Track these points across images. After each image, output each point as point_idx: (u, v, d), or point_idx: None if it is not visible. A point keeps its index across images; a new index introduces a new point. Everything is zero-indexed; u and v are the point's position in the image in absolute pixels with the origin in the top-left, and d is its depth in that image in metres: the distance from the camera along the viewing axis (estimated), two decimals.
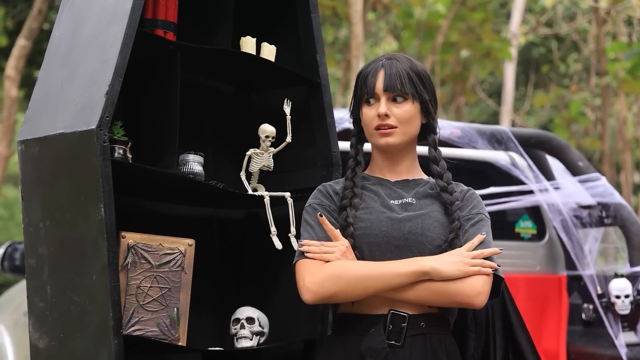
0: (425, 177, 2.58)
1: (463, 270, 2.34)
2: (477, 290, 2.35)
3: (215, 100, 3.15)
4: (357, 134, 2.59)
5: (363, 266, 2.38)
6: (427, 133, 2.55)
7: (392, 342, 2.38)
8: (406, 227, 2.42)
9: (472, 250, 2.39)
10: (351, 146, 2.58)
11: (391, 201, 2.48)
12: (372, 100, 2.49)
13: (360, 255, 2.42)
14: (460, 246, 2.41)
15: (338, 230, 2.44)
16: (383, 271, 2.35)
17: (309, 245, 2.42)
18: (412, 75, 2.48)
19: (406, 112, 2.47)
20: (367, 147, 2.58)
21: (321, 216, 2.45)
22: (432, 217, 2.45)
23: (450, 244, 2.41)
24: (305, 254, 2.42)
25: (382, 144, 2.49)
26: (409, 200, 2.49)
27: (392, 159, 2.54)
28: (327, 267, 2.38)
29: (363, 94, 2.50)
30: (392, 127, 2.46)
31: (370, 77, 2.49)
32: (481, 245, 2.40)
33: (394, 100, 2.47)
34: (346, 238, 2.43)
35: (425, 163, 2.58)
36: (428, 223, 2.43)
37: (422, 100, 2.49)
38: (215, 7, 3.07)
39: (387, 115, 2.46)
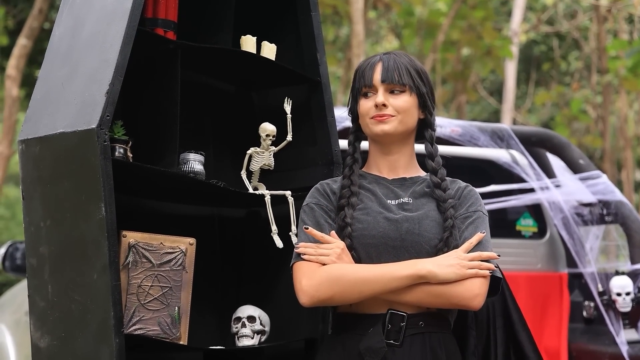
0: (423, 174, 2.57)
1: (460, 273, 2.34)
2: (473, 292, 2.34)
3: (215, 99, 3.15)
4: (355, 132, 2.59)
5: (359, 269, 2.37)
6: (424, 129, 2.55)
7: (391, 341, 2.38)
8: (403, 228, 2.41)
9: (471, 249, 2.38)
10: (349, 143, 2.58)
11: (388, 201, 2.48)
12: (369, 94, 2.49)
13: (357, 256, 2.42)
14: (457, 244, 2.41)
15: (333, 231, 2.44)
16: (379, 274, 2.35)
17: (305, 247, 2.43)
18: (409, 68, 2.48)
19: (404, 102, 2.47)
20: (364, 145, 2.58)
21: (307, 228, 2.45)
22: (429, 217, 2.44)
23: (445, 243, 2.41)
24: (302, 256, 2.42)
25: (377, 132, 2.48)
26: (406, 199, 2.48)
27: (389, 155, 2.54)
28: (324, 271, 2.37)
29: (361, 87, 2.50)
30: (389, 115, 2.46)
31: (368, 69, 2.49)
32: (479, 243, 2.40)
33: (392, 92, 2.47)
34: (343, 239, 2.42)
35: (424, 160, 2.57)
36: (425, 223, 2.43)
37: (419, 92, 2.49)
38: (216, 6, 3.07)
39: (384, 105, 2.46)
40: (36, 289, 2.60)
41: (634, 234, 4.50)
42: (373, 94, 2.49)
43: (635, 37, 15.82)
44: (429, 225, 2.43)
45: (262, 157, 2.88)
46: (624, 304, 4.29)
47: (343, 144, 2.90)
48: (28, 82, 13.59)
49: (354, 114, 2.57)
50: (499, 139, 4.62)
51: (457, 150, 4.59)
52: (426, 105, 2.52)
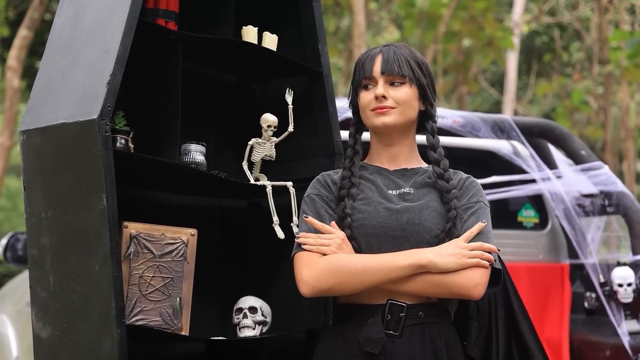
0: (424, 165, 2.57)
1: (460, 263, 2.34)
2: (474, 282, 2.34)
3: (217, 90, 3.15)
4: (356, 124, 2.59)
5: (359, 260, 2.37)
6: (425, 120, 2.55)
7: (390, 332, 2.37)
8: (404, 218, 2.41)
9: (472, 239, 2.38)
10: (350, 135, 2.58)
11: (389, 191, 2.48)
12: (370, 86, 2.49)
13: (358, 246, 2.42)
14: (458, 234, 2.41)
15: (333, 222, 2.44)
16: (379, 264, 2.35)
17: (306, 237, 2.43)
18: (409, 60, 2.48)
19: (404, 94, 2.47)
20: (366, 136, 2.58)
21: (306, 217, 2.45)
22: (429, 207, 2.44)
23: (447, 234, 2.41)
24: (302, 246, 2.42)
25: (378, 124, 2.48)
26: (407, 190, 2.48)
27: (391, 147, 2.54)
28: (324, 261, 2.38)
29: (361, 79, 2.50)
30: (389, 107, 2.46)
31: (368, 61, 2.49)
32: (480, 234, 2.40)
33: (392, 84, 2.47)
34: (344, 229, 2.42)
35: (425, 152, 2.57)
36: (426, 213, 2.42)
37: (419, 84, 2.48)
38: None
39: (384, 97, 2.46)
40: (38, 279, 2.61)
41: (636, 225, 4.50)
42: (373, 86, 2.49)
43: (636, 28, 15.79)
44: (429, 215, 2.42)
45: (263, 148, 2.88)
46: (626, 295, 4.30)
47: (344, 134, 2.90)
48: (29, 73, 13.57)
49: (355, 106, 2.57)
50: (500, 130, 4.62)
51: (458, 141, 4.59)
52: (427, 96, 2.51)
